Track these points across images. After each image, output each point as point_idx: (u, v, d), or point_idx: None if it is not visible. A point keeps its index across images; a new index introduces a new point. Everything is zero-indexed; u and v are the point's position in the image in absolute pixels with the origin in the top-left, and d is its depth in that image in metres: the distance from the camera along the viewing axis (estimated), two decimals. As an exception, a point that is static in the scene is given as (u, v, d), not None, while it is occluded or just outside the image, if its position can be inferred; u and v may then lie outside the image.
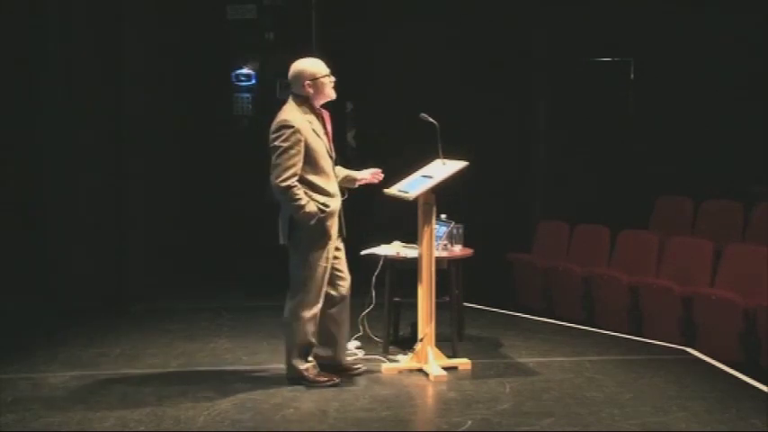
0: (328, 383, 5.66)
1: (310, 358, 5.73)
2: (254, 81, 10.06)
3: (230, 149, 9.97)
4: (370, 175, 5.99)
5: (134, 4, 8.94)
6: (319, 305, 5.66)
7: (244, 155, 9.93)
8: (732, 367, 6.24)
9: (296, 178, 5.47)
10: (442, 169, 5.95)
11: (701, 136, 9.06)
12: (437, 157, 6.04)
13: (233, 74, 10.07)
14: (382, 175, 6.02)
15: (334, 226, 5.64)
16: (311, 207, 5.46)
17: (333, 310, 5.78)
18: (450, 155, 6.02)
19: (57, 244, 8.48)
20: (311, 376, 5.68)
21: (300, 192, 5.46)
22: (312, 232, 5.53)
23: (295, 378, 5.70)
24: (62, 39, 8.50)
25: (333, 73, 5.72)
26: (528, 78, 9.87)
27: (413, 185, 5.95)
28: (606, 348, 6.84)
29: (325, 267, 5.62)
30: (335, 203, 5.63)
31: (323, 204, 5.53)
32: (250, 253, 9.69)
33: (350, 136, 10.07)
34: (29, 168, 8.48)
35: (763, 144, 8.71)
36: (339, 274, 5.78)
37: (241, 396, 5.48)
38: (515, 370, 6.13)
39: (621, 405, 5.34)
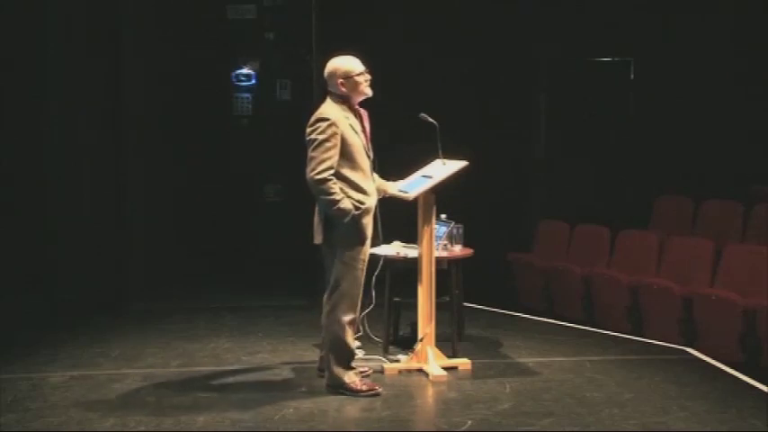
0: (370, 393, 5.50)
1: (354, 365, 5.59)
2: (254, 81, 10.07)
3: (230, 149, 9.98)
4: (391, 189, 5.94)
5: (134, 5, 8.95)
6: (358, 309, 5.56)
7: (244, 155, 9.95)
8: (732, 367, 6.24)
9: (331, 172, 5.34)
10: (441, 169, 5.95)
11: (701, 136, 9.06)
12: (437, 157, 6.04)
13: (233, 74, 10.07)
14: (391, 191, 5.95)
15: (371, 224, 5.51)
16: (346, 204, 5.33)
17: None
18: (451, 155, 6.02)
19: (57, 244, 8.48)
20: (354, 386, 5.51)
21: (336, 187, 5.32)
22: (348, 231, 5.40)
23: (336, 386, 5.52)
24: (62, 39, 8.50)
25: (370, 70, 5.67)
26: (528, 78, 9.87)
27: (413, 185, 5.94)
28: (606, 348, 6.83)
29: (363, 268, 5.50)
30: (371, 201, 5.50)
31: (358, 201, 5.41)
32: (250, 253, 9.70)
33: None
34: (29, 169, 8.48)
35: (762, 144, 8.71)
36: None
37: (241, 396, 5.48)
38: (515, 370, 6.13)
39: (621, 405, 5.34)
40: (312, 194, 5.44)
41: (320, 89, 8.51)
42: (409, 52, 9.59)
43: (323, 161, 5.33)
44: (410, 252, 6.27)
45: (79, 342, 6.87)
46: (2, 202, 8.28)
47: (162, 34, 9.70)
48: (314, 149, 5.36)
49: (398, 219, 6.55)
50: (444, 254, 6.35)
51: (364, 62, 5.71)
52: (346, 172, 5.42)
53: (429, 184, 5.87)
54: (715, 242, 7.45)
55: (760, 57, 8.83)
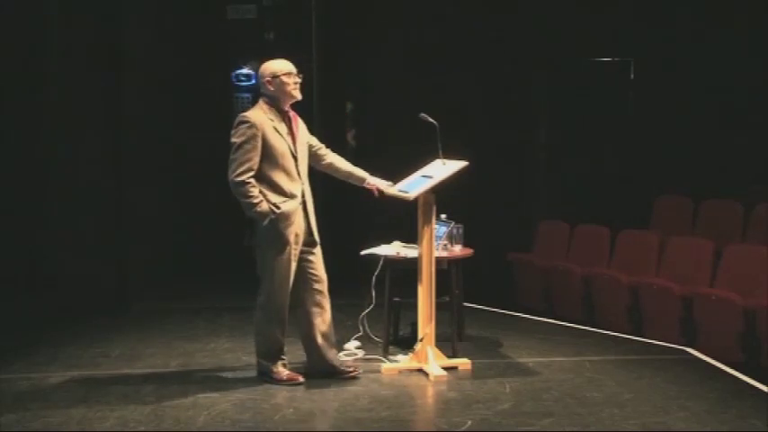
0: (291, 383, 5.67)
1: (283, 356, 5.77)
2: (254, 81, 10.06)
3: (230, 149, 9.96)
4: (379, 184, 5.98)
5: (134, 5, 8.95)
6: (286, 309, 5.65)
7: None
8: (732, 367, 6.24)
9: (250, 174, 5.44)
10: (441, 169, 5.95)
11: (701, 136, 9.06)
12: (437, 157, 6.04)
13: (233, 74, 10.07)
14: (390, 191, 6.00)
15: (291, 228, 5.55)
16: (263, 206, 5.44)
17: (309, 315, 5.76)
18: (451, 155, 6.02)
19: (57, 244, 8.48)
20: (276, 376, 5.71)
21: (255, 190, 5.43)
22: (268, 234, 5.51)
23: (263, 373, 5.78)
24: (62, 40, 8.50)
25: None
26: (528, 78, 9.86)
27: (413, 185, 5.94)
28: (606, 348, 6.84)
29: (288, 272, 5.58)
30: (291, 205, 5.55)
31: (274, 204, 5.48)
32: (250, 252, 9.69)
33: (350, 136, 10.07)
34: (30, 169, 8.47)
35: (762, 144, 8.71)
36: (313, 278, 5.74)
37: (241, 396, 5.48)
38: (515, 370, 6.13)
39: (621, 405, 5.34)
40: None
41: (320, 89, 8.55)
42: (409, 52, 9.59)
43: (242, 163, 5.45)
44: (410, 252, 6.27)
45: (79, 342, 6.87)
46: (2, 202, 8.28)
47: (162, 34, 9.70)
48: (234, 152, 5.49)
49: (398, 219, 6.56)
50: (444, 254, 6.35)
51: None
52: (270, 174, 5.53)
53: (429, 184, 5.87)
54: (715, 242, 7.45)
55: (760, 56, 8.82)
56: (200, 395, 5.50)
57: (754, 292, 6.70)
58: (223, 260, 9.60)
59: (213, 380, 5.87)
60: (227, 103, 10.09)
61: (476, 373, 6.01)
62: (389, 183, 6.03)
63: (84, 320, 7.63)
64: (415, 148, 6.18)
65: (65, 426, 5.00)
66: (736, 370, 6.17)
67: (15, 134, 8.41)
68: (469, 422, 5.02)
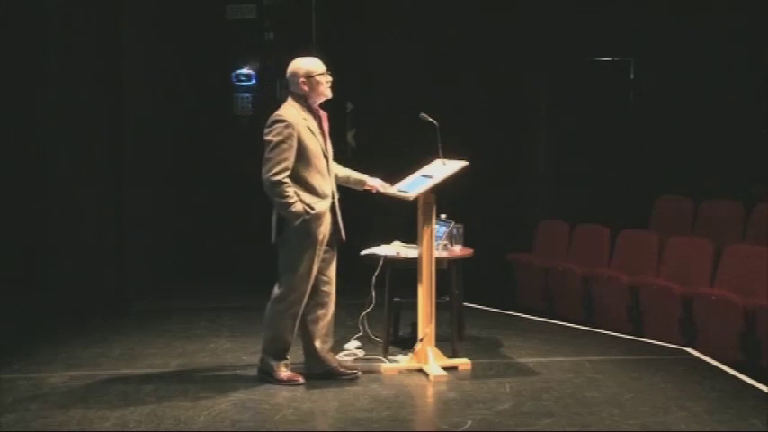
0: (291, 383, 5.65)
1: (287, 356, 5.74)
2: (254, 81, 10.07)
3: (230, 149, 9.98)
4: (379, 184, 5.99)
5: (134, 5, 8.95)
6: (301, 307, 5.64)
7: (244, 155, 9.94)
8: (732, 367, 6.24)
9: (286, 174, 5.43)
10: (442, 169, 5.95)
11: (701, 136, 9.06)
12: (437, 157, 6.04)
13: (233, 74, 10.08)
14: (390, 191, 6.01)
15: (322, 228, 5.56)
16: (298, 207, 5.42)
17: (311, 315, 5.74)
18: (451, 155, 6.02)
19: (57, 244, 8.48)
20: (276, 375, 5.68)
21: (290, 190, 5.41)
22: (297, 233, 5.49)
23: (264, 371, 5.74)
24: (62, 40, 8.50)
25: (332, 72, 5.71)
26: (528, 78, 9.86)
27: (413, 185, 5.94)
28: (606, 348, 6.84)
29: (310, 269, 5.57)
30: (323, 205, 5.56)
31: (308, 205, 5.47)
32: (250, 252, 9.71)
33: (350, 136, 10.07)
34: (29, 169, 8.47)
35: (762, 144, 8.71)
36: (323, 278, 5.73)
37: (241, 396, 5.48)
38: (515, 370, 6.13)
39: (621, 405, 5.34)
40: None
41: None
42: (409, 52, 9.59)
43: (278, 163, 5.42)
44: (410, 252, 6.27)
45: (79, 342, 6.87)
46: (2, 202, 8.28)
47: (162, 34, 9.70)
48: (270, 151, 5.44)
49: (398, 219, 6.56)
50: (444, 254, 6.35)
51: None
52: (302, 174, 5.51)
53: (429, 184, 5.87)
54: (715, 242, 7.45)
55: (760, 56, 8.82)
56: (200, 395, 5.50)
57: (754, 292, 6.70)
58: (223, 260, 9.63)
59: (213, 380, 5.87)
60: (227, 103, 10.10)
61: (476, 373, 6.01)
62: (386, 183, 6.04)
63: (84, 320, 7.63)
64: (415, 148, 6.18)
65: (65, 426, 5.00)
66: (736, 370, 6.17)
67: (15, 134, 8.41)
68: (469, 422, 5.01)
